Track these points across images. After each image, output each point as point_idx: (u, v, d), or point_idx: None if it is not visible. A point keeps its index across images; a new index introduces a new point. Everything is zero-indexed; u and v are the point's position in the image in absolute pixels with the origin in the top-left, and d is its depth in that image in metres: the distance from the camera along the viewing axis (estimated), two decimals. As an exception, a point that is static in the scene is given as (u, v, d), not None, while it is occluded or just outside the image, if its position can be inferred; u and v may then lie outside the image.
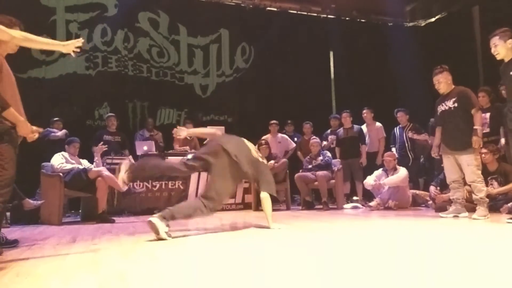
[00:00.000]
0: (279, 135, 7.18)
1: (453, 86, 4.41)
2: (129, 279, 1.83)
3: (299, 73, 8.67)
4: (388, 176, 5.83)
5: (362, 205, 6.27)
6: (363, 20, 9.61)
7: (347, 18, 9.48)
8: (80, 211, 5.64)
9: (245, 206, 6.27)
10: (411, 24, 9.81)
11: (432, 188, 5.34)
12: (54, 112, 6.51)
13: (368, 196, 6.34)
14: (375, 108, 7.34)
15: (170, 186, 5.87)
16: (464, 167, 4.22)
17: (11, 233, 3.43)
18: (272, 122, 7.15)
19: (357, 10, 9.46)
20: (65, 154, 5.15)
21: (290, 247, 2.72)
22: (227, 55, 8.62)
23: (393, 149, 6.60)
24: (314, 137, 6.72)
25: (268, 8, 8.84)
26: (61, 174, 4.89)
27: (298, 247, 2.69)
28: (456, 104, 4.28)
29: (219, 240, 3.14)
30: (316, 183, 6.05)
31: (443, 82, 4.38)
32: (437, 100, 4.56)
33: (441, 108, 4.45)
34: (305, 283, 1.69)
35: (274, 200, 6.35)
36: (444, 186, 5.07)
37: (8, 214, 4.37)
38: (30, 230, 4.21)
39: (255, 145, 4.10)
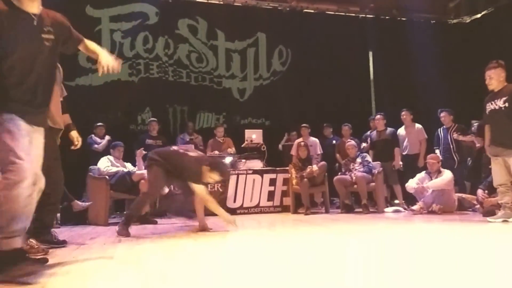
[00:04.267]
0: (311, 138, 7.09)
1: (505, 84, 4.18)
2: (170, 278, 1.89)
3: (337, 75, 8.55)
4: (431, 179, 5.62)
5: (405, 209, 6.09)
6: (403, 19, 9.35)
7: (386, 17, 9.25)
8: (124, 212, 5.85)
9: (283, 209, 6.26)
10: (455, 21, 9.40)
11: (479, 191, 5.09)
12: (99, 118, 6.81)
13: (409, 199, 6.14)
14: (417, 109, 7.10)
15: (209, 189, 5.96)
16: None
17: (61, 233, 3.61)
18: (303, 125, 7.10)
19: (397, 9, 9.21)
20: (111, 157, 5.41)
21: (326, 249, 2.69)
22: (264, 58, 8.66)
23: (437, 151, 6.34)
24: (349, 140, 6.60)
25: (305, 10, 8.79)
26: (107, 177, 5.12)
27: (333, 250, 2.67)
28: (507, 104, 4.07)
29: (257, 241, 3.17)
30: (355, 186, 5.94)
31: (494, 78, 4.16)
32: (486, 97, 4.33)
33: (490, 106, 4.24)
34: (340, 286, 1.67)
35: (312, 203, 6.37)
36: (492, 190, 4.82)
37: (58, 215, 4.62)
38: (79, 230, 4.43)
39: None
